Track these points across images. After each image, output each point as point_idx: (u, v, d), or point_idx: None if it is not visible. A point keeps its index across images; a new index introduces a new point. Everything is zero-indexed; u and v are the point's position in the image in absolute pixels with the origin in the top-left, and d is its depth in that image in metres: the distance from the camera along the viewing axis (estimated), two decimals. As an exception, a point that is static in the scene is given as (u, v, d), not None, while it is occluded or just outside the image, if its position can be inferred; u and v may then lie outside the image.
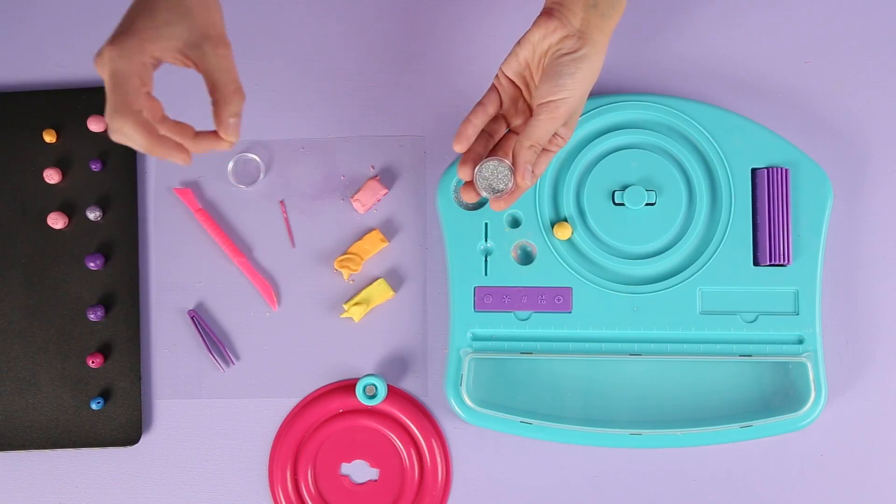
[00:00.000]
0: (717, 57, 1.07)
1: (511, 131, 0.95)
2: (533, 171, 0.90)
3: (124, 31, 0.81)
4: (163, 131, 0.83)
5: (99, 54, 0.81)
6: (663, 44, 1.07)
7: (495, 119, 0.93)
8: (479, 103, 0.91)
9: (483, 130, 0.92)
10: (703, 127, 1.03)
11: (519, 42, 0.90)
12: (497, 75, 0.92)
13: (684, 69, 1.07)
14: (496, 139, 0.94)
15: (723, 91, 1.06)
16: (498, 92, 0.92)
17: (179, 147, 0.82)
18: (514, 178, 0.91)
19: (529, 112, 0.93)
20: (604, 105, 1.03)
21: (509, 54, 0.91)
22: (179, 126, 0.84)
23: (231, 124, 0.83)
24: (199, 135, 0.84)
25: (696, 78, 1.06)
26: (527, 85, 0.92)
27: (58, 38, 1.09)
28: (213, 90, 0.83)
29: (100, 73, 0.82)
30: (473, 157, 0.92)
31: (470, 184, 0.93)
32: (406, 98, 1.07)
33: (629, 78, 1.07)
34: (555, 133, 0.91)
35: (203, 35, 0.82)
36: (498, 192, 0.92)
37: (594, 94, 1.04)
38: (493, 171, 0.92)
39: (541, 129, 0.89)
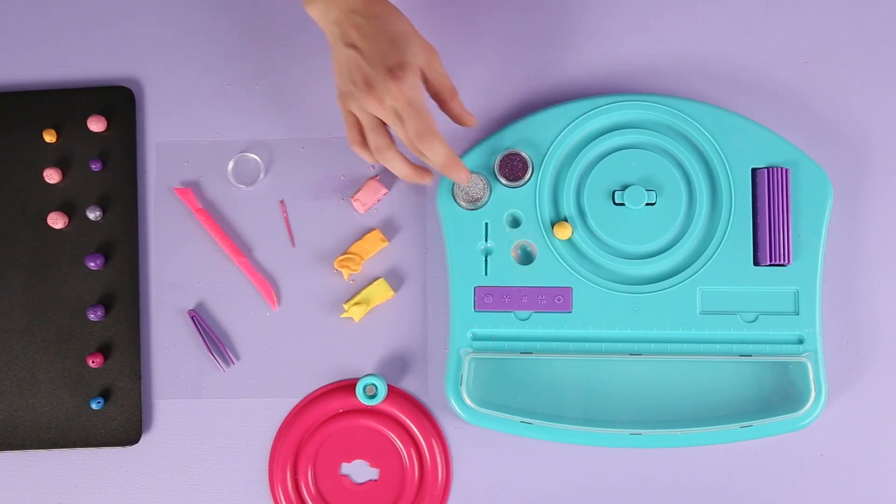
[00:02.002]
0: (717, 57, 1.07)
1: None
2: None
3: (408, 65, 0.91)
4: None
5: (398, 85, 0.90)
6: (663, 44, 1.07)
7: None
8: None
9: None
10: (703, 127, 1.03)
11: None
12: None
13: (685, 69, 1.07)
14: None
15: (723, 91, 1.06)
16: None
17: (464, 169, 0.98)
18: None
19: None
20: (604, 105, 1.03)
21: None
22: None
23: (465, 114, 0.97)
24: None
25: (697, 78, 1.06)
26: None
27: (58, 38, 1.09)
28: (438, 94, 0.96)
29: (393, 99, 0.91)
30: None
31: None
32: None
33: (629, 78, 1.07)
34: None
35: (423, 47, 0.93)
36: (476, 200, 1.02)
37: (594, 94, 1.04)
38: (470, 182, 1.02)
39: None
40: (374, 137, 0.95)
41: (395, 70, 0.90)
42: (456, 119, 0.97)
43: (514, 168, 1.02)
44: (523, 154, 1.02)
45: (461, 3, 1.08)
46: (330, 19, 0.93)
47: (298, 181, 1.07)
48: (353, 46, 0.92)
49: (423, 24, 1.07)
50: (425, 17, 1.08)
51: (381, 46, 0.91)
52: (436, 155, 0.93)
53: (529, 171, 1.02)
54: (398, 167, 0.96)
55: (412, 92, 0.91)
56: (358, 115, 0.94)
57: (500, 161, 1.02)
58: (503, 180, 1.02)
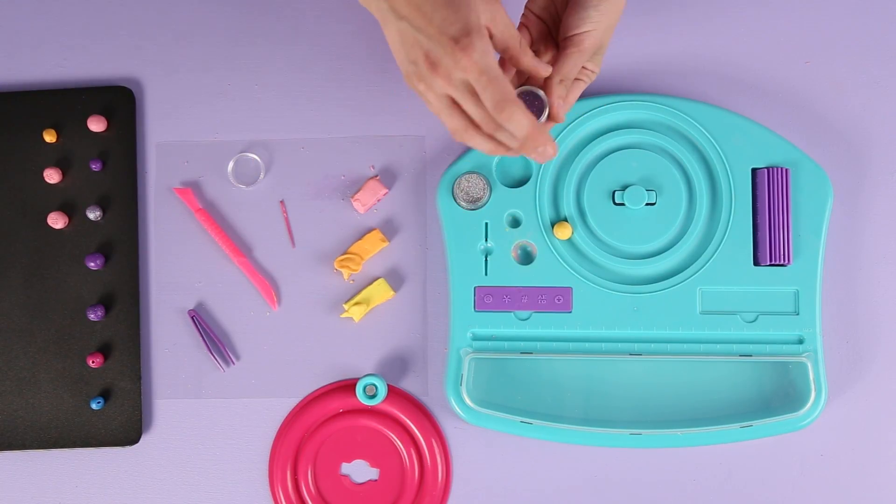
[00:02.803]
0: (718, 57, 1.07)
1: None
2: (566, 100, 0.90)
3: (475, 29, 0.79)
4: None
5: (468, 56, 0.79)
6: (663, 44, 1.07)
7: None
8: None
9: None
10: (703, 127, 1.03)
11: None
12: (524, 13, 0.92)
13: (684, 69, 1.07)
14: (526, 75, 0.93)
15: (723, 91, 1.06)
16: (527, 28, 0.92)
17: (550, 140, 0.86)
18: (548, 111, 0.89)
19: (557, 48, 0.92)
20: (604, 105, 1.03)
21: None
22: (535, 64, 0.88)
23: (537, 63, 0.87)
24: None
25: (696, 78, 1.06)
26: (554, 20, 0.92)
27: (58, 38, 1.09)
28: (506, 49, 0.85)
29: (464, 72, 0.80)
30: None
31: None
32: (406, 98, 1.07)
33: (629, 78, 1.07)
34: (584, 66, 0.91)
35: (488, 2, 0.82)
36: (475, 200, 1.00)
37: (594, 93, 1.04)
38: (469, 182, 1.01)
39: (569, 63, 0.89)
40: (450, 120, 0.84)
41: (459, 38, 0.79)
42: (531, 72, 0.87)
43: (532, 109, 0.90)
44: (541, 96, 0.90)
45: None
46: None
47: (298, 181, 1.07)
48: (404, 18, 0.80)
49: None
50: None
51: (435, 11, 0.79)
52: (518, 126, 0.82)
53: (544, 116, 0.91)
54: (482, 145, 0.85)
55: (484, 59, 0.79)
56: (426, 95, 0.84)
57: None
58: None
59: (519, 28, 0.92)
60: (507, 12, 0.84)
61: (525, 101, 0.89)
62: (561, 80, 0.89)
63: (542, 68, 0.87)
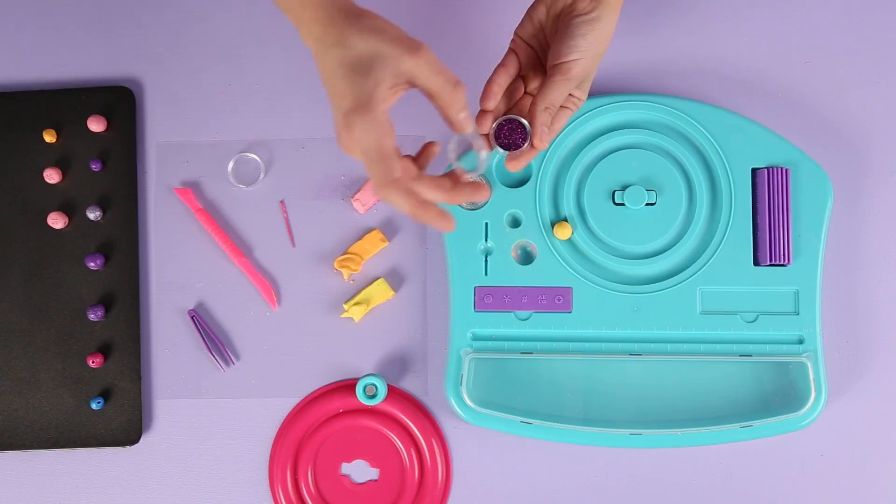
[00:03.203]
0: (717, 57, 1.07)
1: (527, 93, 0.95)
2: (551, 128, 0.91)
3: (360, 106, 0.79)
4: (421, 189, 0.83)
5: (348, 134, 0.79)
6: (663, 44, 1.07)
7: (514, 80, 0.94)
8: (500, 65, 0.92)
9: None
10: (703, 127, 1.03)
11: (533, 5, 0.92)
12: (513, 38, 0.93)
13: (684, 69, 1.07)
14: (515, 99, 0.94)
15: (723, 91, 1.06)
16: (516, 54, 0.93)
17: (442, 215, 0.84)
18: (531, 139, 0.91)
19: (545, 74, 0.92)
20: (604, 105, 1.03)
21: (524, 17, 0.93)
22: (437, 181, 0.84)
23: (462, 119, 0.84)
24: (456, 187, 0.85)
25: (696, 78, 1.06)
26: (542, 47, 0.93)
27: (58, 38, 1.09)
28: (433, 97, 0.83)
29: (349, 151, 0.81)
30: (494, 113, 0.91)
31: (485, 135, 0.91)
32: (406, 98, 1.07)
33: (629, 78, 1.07)
34: (570, 94, 0.92)
35: (397, 56, 0.80)
36: (473, 202, 1.00)
37: (594, 93, 1.04)
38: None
39: (554, 91, 0.89)
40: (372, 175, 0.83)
41: (348, 115, 0.79)
42: (454, 126, 0.85)
43: (515, 136, 0.92)
44: (522, 121, 0.91)
45: (459, 3, 1.08)
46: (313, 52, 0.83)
47: (298, 181, 1.07)
48: (324, 84, 0.82)
49: (421, 24, 1.08)
50: (423, 17, 1.08)
51: (333, 85, 0.80)
52: (400, 208, 0.82)
53: (528, 140, 0.92)
54: (400, 206, 0.83)
55: (365, 139, 0.79)
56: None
57: (497, 127, 0.92)
58: (500, 150, 0.92)
59: (508, 54, 0.93)
60: (437, 60, 0.81)
61: (508, 129, 0.91)
62: (546, 108, 0.90)
63: (466, 125, 0.85)
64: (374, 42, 0.80)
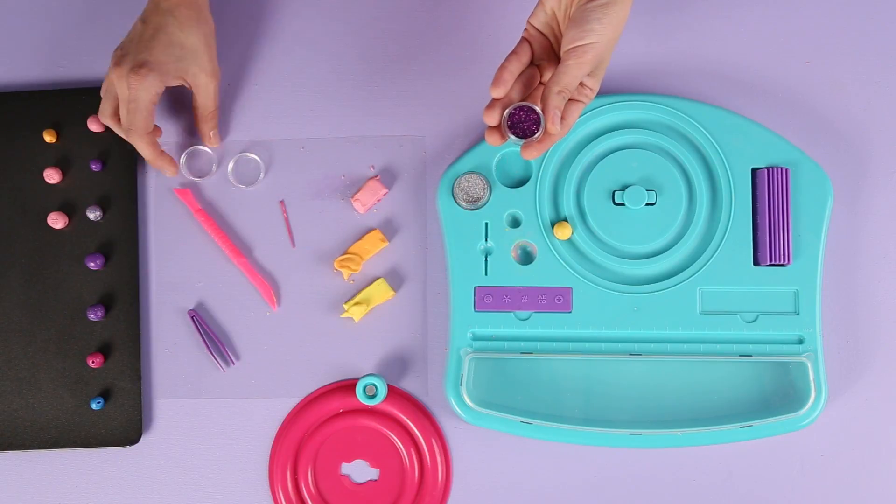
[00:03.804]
0: (718, 57, 1.07)
1: (542, 83, 0.94)
2: (563, 120, 0.90)
3: (146, 63, 0.98)
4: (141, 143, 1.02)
5: (135, 76, 0.97)
6: (663, 44, 1.07)
7: (529, 67, 0.93)
8: (513, 52, 0.91)
9: (519, 78, 0.92)
10: (703, 127, 1.03)
11: None
12: (526, 27, 0.93)
13: (684, 69, 1.07)
14: (532, 88, 0.93)
15: (723, 91, 1.06)
16: (529, 42, 0.92)
17: (172, 161, 1.04)
18: (545, 125, 0.90)
19: (559, 63, 0.92)
20: (604, 105, 1.03)
21: (536, 5, 0.92)
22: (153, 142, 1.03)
23: (212, 136, 1.05)
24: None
25: (696, 78, 1.06)
26: (555, 36, 0.92)
27: (58, 38, 1.09)
28: (197, 108, 1.04)
29: (117, 89, 0.99)
30: (504, 102, 0.91)
31: (495, 128, 0.91)
32: (406, 98, 1.07)
33: (629, 78, 1.07)
34: (582, 83, 0.91)
35: (203, 69, 1.01)
36: (475, 200, 1.01)
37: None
38: (469, 182, 1.01)
39: (568, 74, 0.89)
40: (103, 103, 1.01)
41: (141, 66, 0.97)
42: (199, 134, 1.05)
43: (527, 123, 0.91)
44: (535, 107, 0.91)
45: (460, 3, 1.08)
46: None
47: (298, 181, 1.07)
48: (143, 21, 0.99)
49: (421, 24, 1.08)
50: (423, 17, 1.08)
51: (154, 39, 0.98)
52: (142, 153, 1.02)
53: (542, 127, 0.91)
54: (142, 150, 1.02)
55: (141, 93, 0.97)
56: (116, 86, 0.99)
57: (509, 115, 0.91)
58: (513, 138, 0.91)
59: (520, 42, 0.92)
60: (217, 87, 1.02)
61: (522, 116, 0.90)
62: (560, 91, 0.89)
63: (212, 139, 1.06)
64: (199, 46, 1.00)
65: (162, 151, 1.03)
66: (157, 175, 1.07)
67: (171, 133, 1.08)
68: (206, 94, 1.02)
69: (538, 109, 0.90)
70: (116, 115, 1.01)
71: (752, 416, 1.00)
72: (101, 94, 1.02)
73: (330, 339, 1.05)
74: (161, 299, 1.06)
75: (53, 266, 1.06)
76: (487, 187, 1.02)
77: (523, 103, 0.90)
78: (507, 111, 0.90)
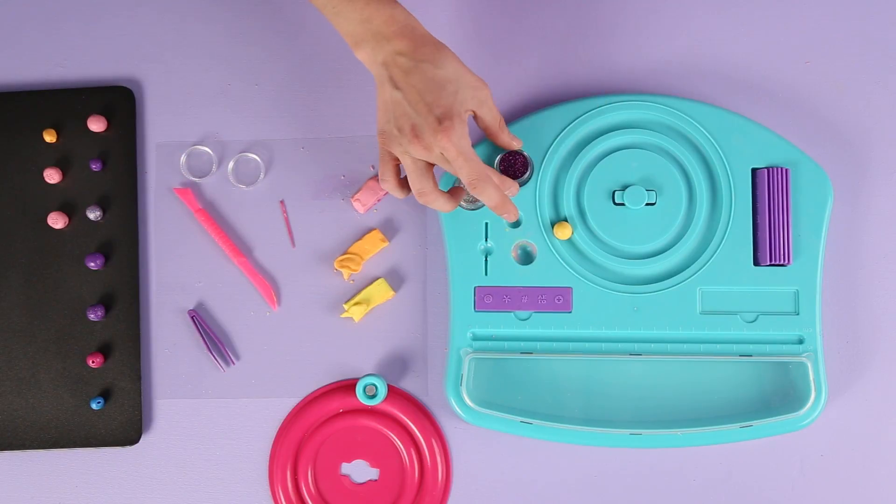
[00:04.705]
0: (718, 57, 1.07)
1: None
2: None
3: (456, 115, 0.90)
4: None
5: (446, 135, 0.90)
6: (663, 44, 1.07)
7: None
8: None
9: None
10: (703, 127, 1.03)
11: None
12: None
13: (684, 69, 1.07)
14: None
15: (723, 91, 1.06)
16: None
17: (513, 206, 0.99)
18: (532, 163, 1.01)
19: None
20: (604, 105, 1.03)
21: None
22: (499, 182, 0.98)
23: (512, 142, 0.99)
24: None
25: (696, 78, 1.06)
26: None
27: (58, 38, 1.09)
28: (487, 127, 0.96)
29: (438, 148, 0.90)
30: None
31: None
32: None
33: (629, 78, 1.07)
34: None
35: (474, 87, 0.93)
36: (476, 200, 1.01)
37: (594, 94, 1.04)
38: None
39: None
40: (419, 182, 0.94)
41: (443, 120, 0.90)
42: (503, 147, 0.99)
43: (514, 166, 1.01)
44: (524, 154, 1.01)
45: (459, 3, 1.08)
46: (377, 61, 0.91)
47: (298, 181, 1.07)
48: (398, 89, 0.90)
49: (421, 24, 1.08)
50: (423, 17, 1.08)
51: (428, 93, 0.90)
52: (489, 199, 0.94)
53: (529, 171, 1.01)
54: (443, 207, 0.96)
55: (461, 141, 0.90)
56: (399, 156, 0.93)
57: (501, 160, 1.01)
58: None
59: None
60: (490, 93, 0.94)
61: (511, 160, 1.01)
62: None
63: (515, 143, 0.99)
64: (459, 69, 0.92)
65: (506, 197, 0.96)
66: (157, 175, 1.07)
67: (171, 133, 1.08)
68: (489, 109, 0.95)
69: (525, 153, 1.01)
70: (402, 184, 0.97)
71: (752, 416, 1.00)
72: (410, 175, 0.94)
73: (330, 339, 1.05)
74: (161, 299, 1.06)
75: (53, 266, 1.06)
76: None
77: (507, 150, 1.00)
78: (496, 161, 1.01)
